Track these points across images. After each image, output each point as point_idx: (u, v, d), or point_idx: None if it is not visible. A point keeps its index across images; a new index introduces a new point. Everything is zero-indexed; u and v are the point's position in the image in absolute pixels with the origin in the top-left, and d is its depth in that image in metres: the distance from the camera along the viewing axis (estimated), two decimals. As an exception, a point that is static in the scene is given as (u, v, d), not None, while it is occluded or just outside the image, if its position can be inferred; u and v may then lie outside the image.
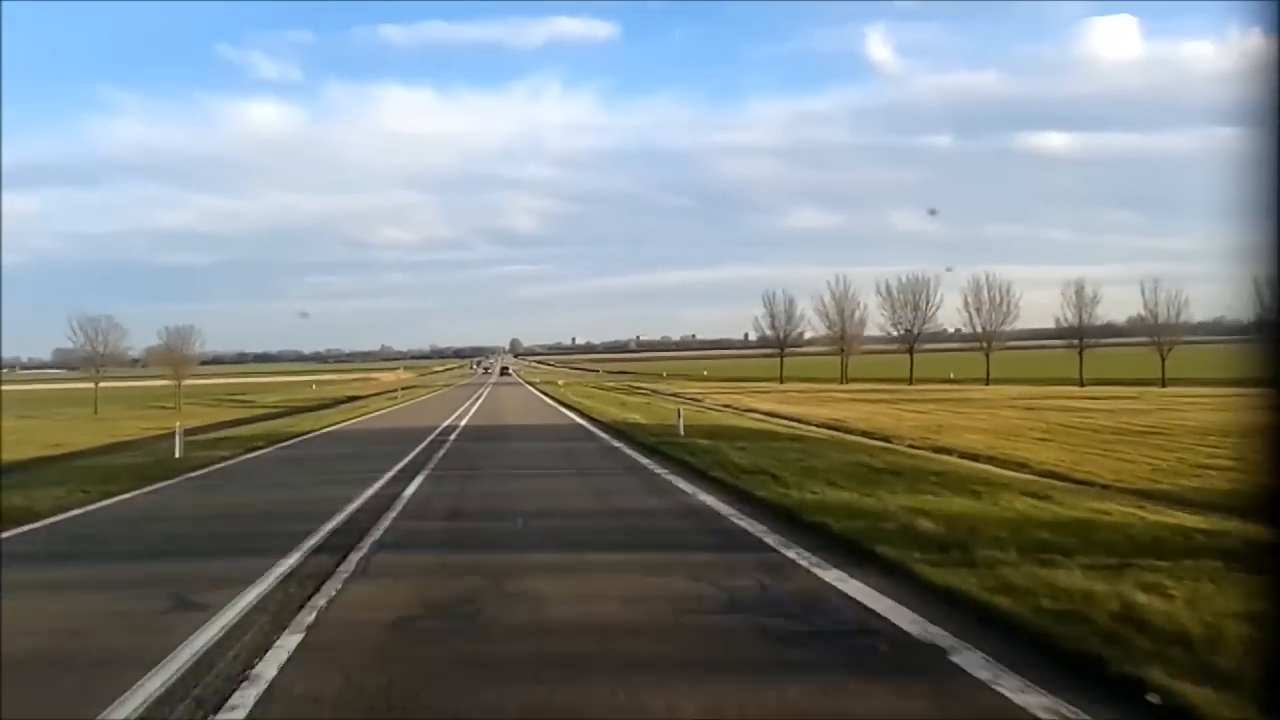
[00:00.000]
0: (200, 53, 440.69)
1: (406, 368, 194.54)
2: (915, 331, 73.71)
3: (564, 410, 35.75)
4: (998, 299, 71.41)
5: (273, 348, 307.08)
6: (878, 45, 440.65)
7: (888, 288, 73.73)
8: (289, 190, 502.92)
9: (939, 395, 57.87)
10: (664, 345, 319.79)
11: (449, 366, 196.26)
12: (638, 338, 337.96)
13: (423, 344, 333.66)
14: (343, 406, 50.84)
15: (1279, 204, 1.87)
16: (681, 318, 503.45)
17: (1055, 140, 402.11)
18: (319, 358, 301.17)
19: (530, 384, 77.55)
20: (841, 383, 72.57)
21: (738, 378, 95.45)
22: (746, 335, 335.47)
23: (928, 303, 72.91)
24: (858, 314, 76.26)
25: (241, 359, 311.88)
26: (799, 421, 36.54)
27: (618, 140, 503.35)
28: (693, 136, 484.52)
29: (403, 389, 63.41)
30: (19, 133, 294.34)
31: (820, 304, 76.77)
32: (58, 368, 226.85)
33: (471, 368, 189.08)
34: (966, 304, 73.48)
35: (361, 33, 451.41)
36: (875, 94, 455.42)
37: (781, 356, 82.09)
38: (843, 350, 76.35)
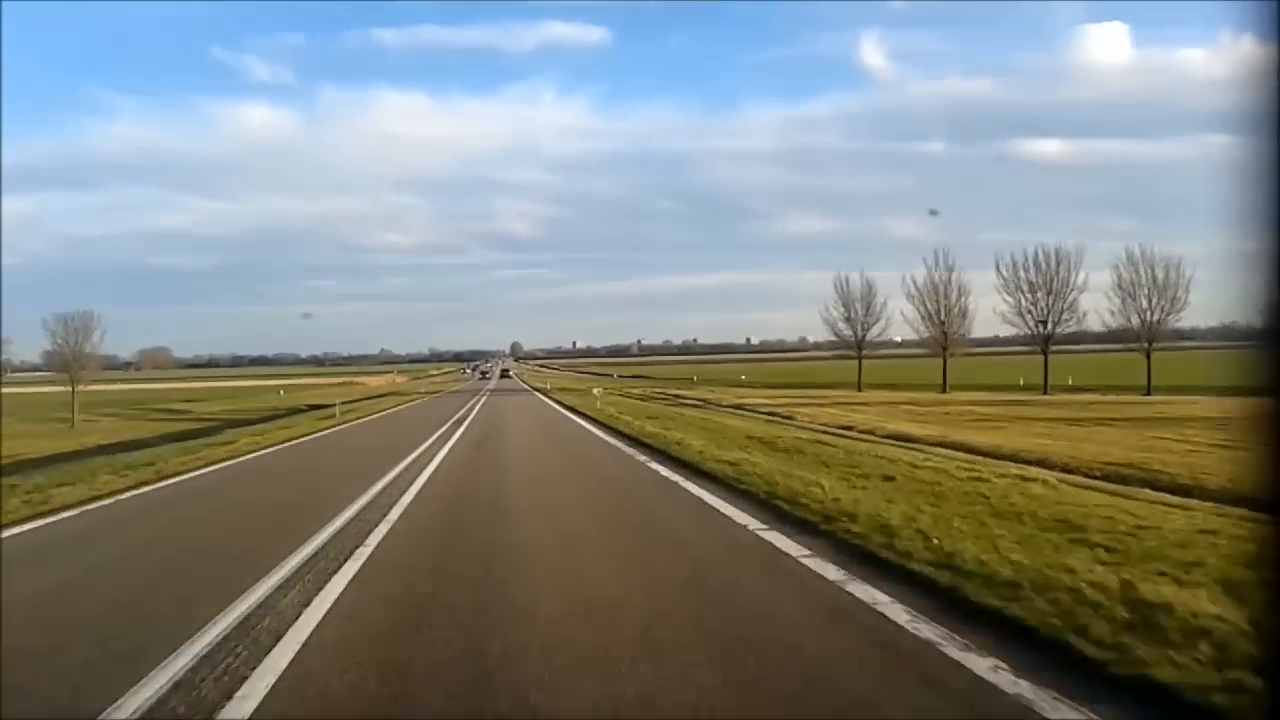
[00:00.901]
0: (194, 55, 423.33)
1: (401, 371, 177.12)
2: (1050, 324, 52.74)
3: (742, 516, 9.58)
4: (1159, 279, 50.08)
5: (272, 350, 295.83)
6: (872, 51, 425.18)
7: (1012, 263, 52.85)
8: (284, 194, 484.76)
9: (1136, 412, 38.68)
10: (665, 349, 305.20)
11: (446, 370, 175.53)
12: (639, 342, 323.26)
13: (422, 347, 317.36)
14: (235, 433, 30.77)
15: (1277, 210, 1.78)
16: (681, 323, 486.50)
17: (1050, 147, 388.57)
18: (316, 361, 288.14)
19: (540, 392, 57.50)
20: (943, 390, 53.52)
21: (790, 383, 76.07)
22: (748, 339, 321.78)
23: (1068, 284, 51.70)
24: (960, 302, 55.65)
25: (237, 362, 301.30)
26: (1095, 476, 17.34)
27: (613, 145, 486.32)
28: (687, 142, 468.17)
29: (343, 402, 43.21)
30: (12, 134, 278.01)
31: (911, 289, 56.31)
32: (45, 370, 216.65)
33: (465, 371, 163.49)
34: (1120, 283, 50.84)
35: (355, 36, 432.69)
36: (870, 100, 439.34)
37: (860, 358, 61.70)
38: (945, 349, 56.05)
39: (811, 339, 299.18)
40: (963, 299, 54.48)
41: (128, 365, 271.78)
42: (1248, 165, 1.75)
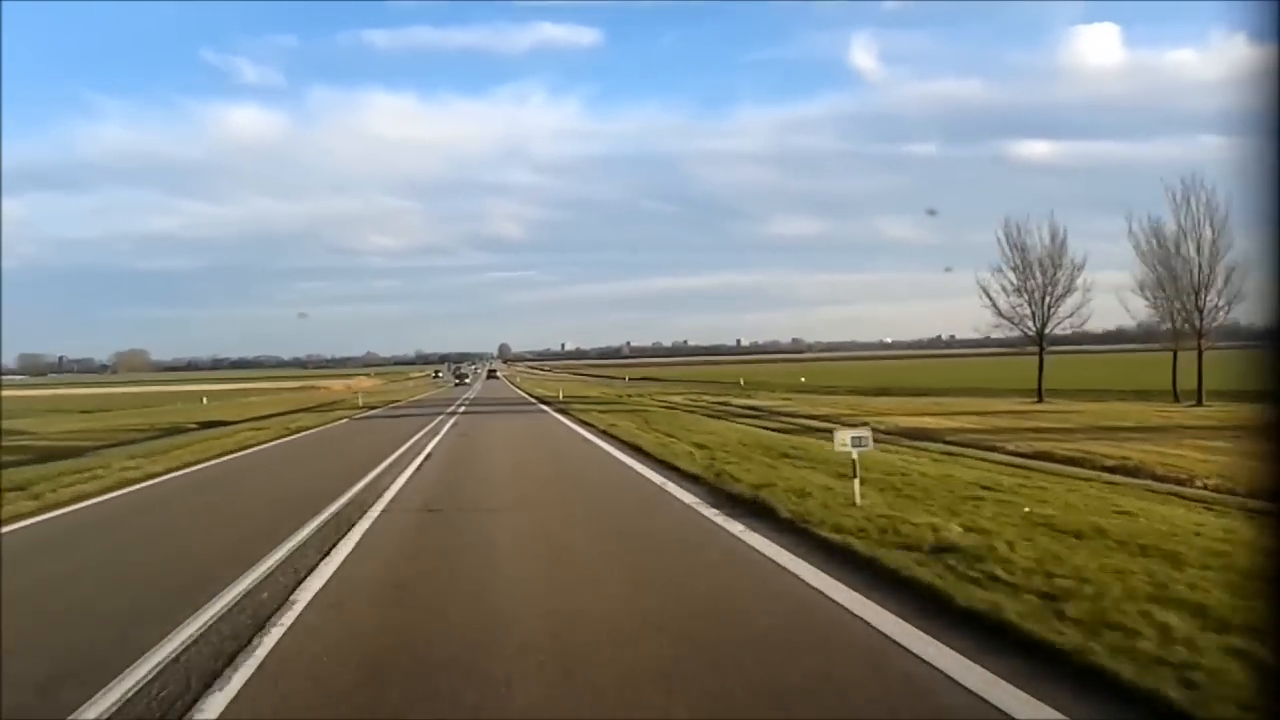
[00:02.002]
0: (184, 58, 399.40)
1: (378, 374, 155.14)
2: None
3: None
4: None
5: (258, 353, 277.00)
6: (863, 52, 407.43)
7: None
8: (274, 196, 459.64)
9: None
10: (656, 351, 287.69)
11: (427, 373, 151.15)
12: (629, 343, 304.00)
13: (408, 350, 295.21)
14: None
15: (1273, 210, 1.70)
16: (671, 324, 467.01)
17: (1041, 148, 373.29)
18: (299, 363, 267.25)
19: (548, 405, 35.55)
20: (1196, 401, 31.92)
21: (889, 389, 54.35)
22: (739, 340, 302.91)
23: None
24: (1215, 264, 32.48)
25: (218, 364, 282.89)
26: None
27: (604, 147, 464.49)
28: (679, 143, 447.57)
29: (248, 420, 20.52)
30: (3, 137, 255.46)
31: (1140, 243, 33.55)
32: (21, 374, 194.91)
33: (437, 375, 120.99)
34: None
35: (345, 37, 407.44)
36: (862, 101, 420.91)
37: (1041, 352, 38.77)
38: (1200, 334, 32.92)
39: (807, 340, 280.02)
40: (1218, 258, 31.54)
41: (104, 368, 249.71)
42: (1243, 166, 1.66)
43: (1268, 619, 1.86)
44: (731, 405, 38.74)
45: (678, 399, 46.07)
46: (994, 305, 37.09)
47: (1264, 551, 1.79)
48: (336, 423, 26.36)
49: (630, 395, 48.53)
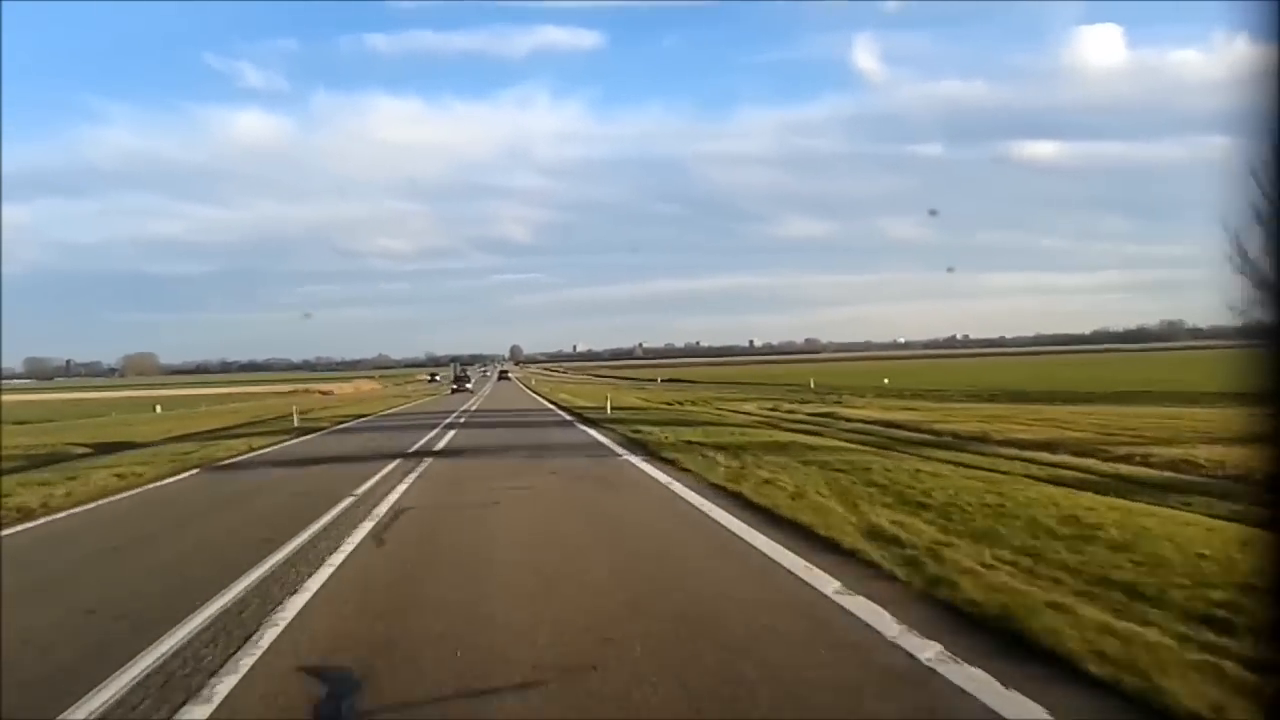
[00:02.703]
0: (187, 61, 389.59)
1: (382, 376, 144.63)
2: None
3: None
4: None
5: (268, 355, 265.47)
6: (865, 54, 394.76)
7: None
8: (279, 200, 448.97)
9: None
10: (668, 352, 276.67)
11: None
12: (640, 345, 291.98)
13: (419, 352, 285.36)
14: None
15: (1273, 210, 1.63)
16: (681, 325, 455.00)
17: (1045, 149, 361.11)
18: (309, 365, 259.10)
19: (597, 428, 21.23)
20: None
21: (1002, 392, 40.92)
22: (751, 341, 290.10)
23: None
24: None
25: (227, 367, 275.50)
26: None
27: (608, 149, 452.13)
28: (684, 145, 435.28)
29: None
30: (7, 142, 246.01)
31: None
32: (27, 377, 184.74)
33: (434, 380, 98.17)
34: None
35: (348, 41, 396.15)
36: (865, 102, 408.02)
37: None
38: None
39: (822, 340, 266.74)
40: None
41: (112, 371, 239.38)
42: (1245, 166, 1.57)
43: (1267, 624, 1.77)
44: (858, 423, 25.75)
45: (751, 407, 33.33)
46: (1249, 265, 23.96)
47: (1265, 559, 1.66)
48: (169, 480, 12.54)
49: (691, 404, 35.67)
